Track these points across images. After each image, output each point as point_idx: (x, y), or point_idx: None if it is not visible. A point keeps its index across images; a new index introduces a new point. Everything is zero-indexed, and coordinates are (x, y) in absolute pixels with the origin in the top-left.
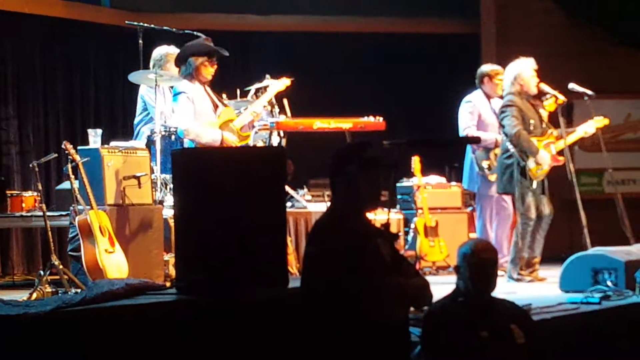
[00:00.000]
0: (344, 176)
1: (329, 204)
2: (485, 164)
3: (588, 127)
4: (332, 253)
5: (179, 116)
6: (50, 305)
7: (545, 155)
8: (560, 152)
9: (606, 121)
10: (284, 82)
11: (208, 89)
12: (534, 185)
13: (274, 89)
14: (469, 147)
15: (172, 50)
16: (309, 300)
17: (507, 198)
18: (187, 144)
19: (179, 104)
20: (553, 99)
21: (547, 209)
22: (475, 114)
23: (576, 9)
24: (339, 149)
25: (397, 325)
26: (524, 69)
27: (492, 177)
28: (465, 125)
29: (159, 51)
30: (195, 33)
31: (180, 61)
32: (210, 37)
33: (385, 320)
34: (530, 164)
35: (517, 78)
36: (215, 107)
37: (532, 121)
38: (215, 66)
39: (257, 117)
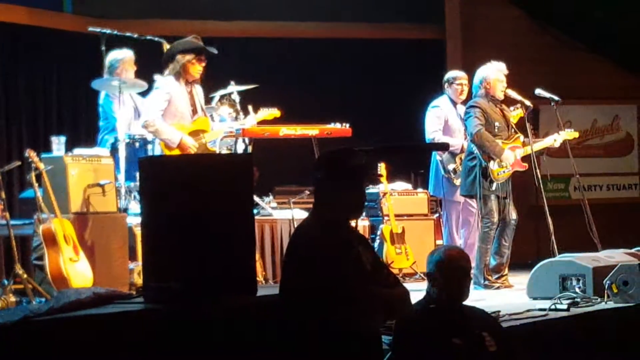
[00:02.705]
0: (328, 184)
1: (295, 211)
2: (451, 167)
3: (557, 137)
4: (313, 261)
5: (147, 107)
6: (17, 315)
7: (510, 155)
8: (525, 159)
9: (576, 134)
10: (272, 112)
11: (196, 90)
12: (494, 187)
13: (260, 116)
14: (434, 153)
15: (124, 55)
16: (288, 308)
17: (474, 203)
18: (150, 151)
19: (152, 96)
20: (520, 110)
21: (511, 214)
22: (442, 118)
23: (542, 15)
24: (322, 155)
25: (373, 334)
26: (490, 73)
27: (458, 181)
28: (432, 130)
29: (112, 56)
30: (157, 39)
31: (167, 59)
32: (198, 36)
33: (363, 329)
34: (492, 165)
35: (483, 81)
36: (194, 112)
37: (497, 124)
38: (204, 64)
39: (230, 135)
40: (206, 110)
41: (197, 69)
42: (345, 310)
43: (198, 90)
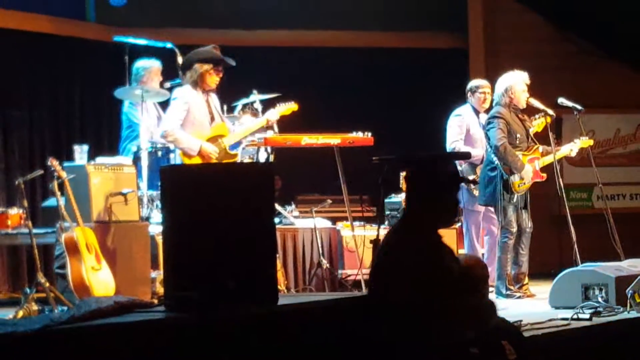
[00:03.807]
0: (424, 191)
1: (317, 219)
2: (471, 177)
3: (573, 146)
4: (405, 267)
5: (166, 117)
6: (39, 324)
7: (529, 170)
8: (544, 169)
9: (590, 142)
10: (290, 106)
11: (212, 99)
12: (515, 198)
13: (278, 111)
14: (454, 163)
15: (151, 65)
16: (377, 311)
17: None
18: (173, 160)
19: (171, 107)
20: (543, 119)
21: (527, 223)
22: (464, 127)
23: (565, 23)
24: (413, 162)
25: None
26: (516, 82)
27: (477, 192)
28: (453, 139)
29: (140, 64)
30: (170, 46)
31: (185, 67)
32: (218, 46)
33: (453, 339)
34: (514, 177)
35: (507, 90)
36: (212, 119)
37: (518, 135)
38: (221, 75)
39: (252, 144)
40: (229, 119)
41: (214, 79)
42: (438, 319)
43: (214, 98)
